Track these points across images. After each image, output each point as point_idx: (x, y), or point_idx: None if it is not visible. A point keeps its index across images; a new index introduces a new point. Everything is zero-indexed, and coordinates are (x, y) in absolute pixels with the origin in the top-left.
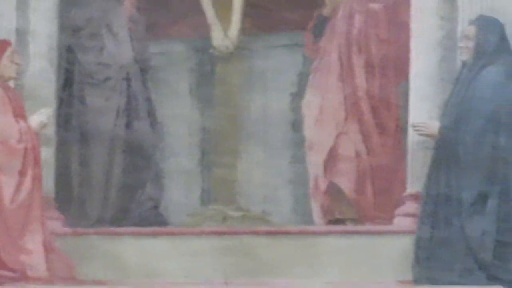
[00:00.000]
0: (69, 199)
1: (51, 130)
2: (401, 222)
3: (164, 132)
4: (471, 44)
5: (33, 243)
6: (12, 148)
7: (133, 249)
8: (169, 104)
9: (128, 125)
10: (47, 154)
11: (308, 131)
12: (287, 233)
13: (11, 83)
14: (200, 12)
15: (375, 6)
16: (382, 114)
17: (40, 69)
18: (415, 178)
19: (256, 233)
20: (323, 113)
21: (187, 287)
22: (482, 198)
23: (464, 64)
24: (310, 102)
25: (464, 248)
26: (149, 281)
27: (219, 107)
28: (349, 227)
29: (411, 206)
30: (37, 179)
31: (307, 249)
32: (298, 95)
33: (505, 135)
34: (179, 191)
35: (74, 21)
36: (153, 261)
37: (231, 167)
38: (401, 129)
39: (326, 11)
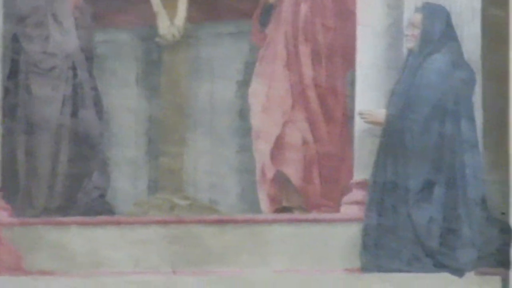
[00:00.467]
0: (15, 189)
1: None
2: (348, 210)
3: (110, 121)
4: (417, 31)
5: None
6: None
7: (80, 239)
8: (115, 93)
9: (74, 115)
10: None
11: (255, 119)
12: (234, 221)
13: None
14: (146, 0)
15: None
16: (329, 102)
17: None
18: (362, 166)
19: (203, 222)
20: (270, 101)
21: (135, 276)
22: (429, 185)
23: (410, 52)
24: (257, 91)
25: (411, 236)
26: (96, 270)
27: (166, 95)
28: (296, 215)
29: (358, 194)
30: None
31: (254, 237)
32: (244, 84)
33: (451, 123)
34: (126, 180)
35: (19, 10)
36: (100, 250)
37: (178, 155)
38: (348, 117)
39: None
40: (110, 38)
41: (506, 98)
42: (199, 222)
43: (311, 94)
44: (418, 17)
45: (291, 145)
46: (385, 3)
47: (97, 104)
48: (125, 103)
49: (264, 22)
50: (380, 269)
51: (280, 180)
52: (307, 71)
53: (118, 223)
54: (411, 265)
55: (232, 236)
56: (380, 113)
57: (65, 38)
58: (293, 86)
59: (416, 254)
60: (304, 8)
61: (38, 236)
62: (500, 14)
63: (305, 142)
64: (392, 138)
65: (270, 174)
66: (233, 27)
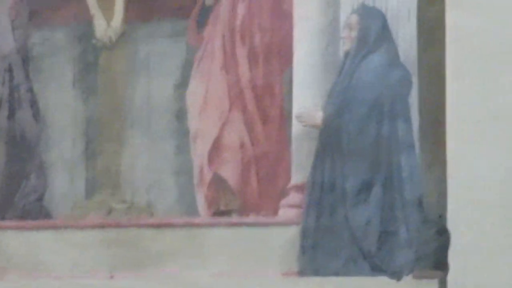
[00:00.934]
0: None
1: None
2: (286, 213)
3: (47, 122)
4: (353, 33)
5: None
6: None
7: (17, 242)
8: (52, 94)
9: (10, 116)
10: None
11: (193, 121)
12: (172, 225)
13: None
14: None
15: None
16: (266, 103)
17: None
18: (300, 168)
19: (140, 225)
20: (207, 102)
21: (72, 280)
22: (366, 187)
23: (346, 53)
24: (194, 92)
25: (348, 237)
26: (33, 274)
27: (103, 96)
28: (234, 218)
29: (296, 197)
30: None
31: (192, 240)
32: (182, 85)
33: (388, 123)
34: (64, 182)
35: None
36: (37, 254)
37: (115, 156)
38: (285, 118)
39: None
40: (46, 38)
41: (442, 98)
42: (137, 225)
43: (248, 95)
44: (354, 19)
45: (228, 147)
46: (321, 3)
47: (34, 105)
48: (62, 104)
49: (201, 23)
50: (318, 272)
51: (218, 183)
52: (244, 72)
53: (55, 226)
54: (348, 268)
55: (170, 239)
56: (317, 115)
57: (1, 39)
58: (230, 88)
59: (354, 256)
60: (240, 8)
61: None
62: (435, 14)
63: (242, 144)
64: (330, 139)
65: (207, 176)
66: (170, 28)
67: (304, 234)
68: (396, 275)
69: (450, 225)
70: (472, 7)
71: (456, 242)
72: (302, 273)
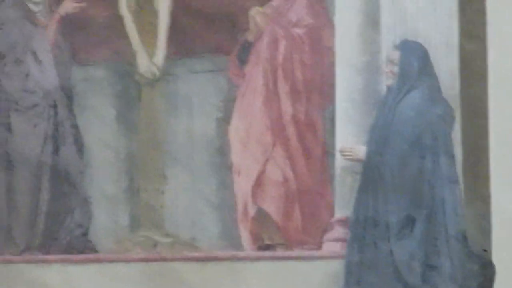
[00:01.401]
0: None
1: None
2: (330, 247)
3: (91, 158)
4: (395, 68)
5: None
6: None
7: (61, 276)
8: (95, 130)
9: (55, 152)
10: None
11: (235, 156)
12: (215, 258)
13: None
14: (124, 36)
15: (299, 31)
16: (309, 138)
17: None
18: (343, 202)
19: (184, 259)
20: (250, 138)
21: None
22: (410, 221)
23: (388, 88)
24: (237, 127)
25: (392, 272)
26: None
27: (145, 132)
28: (278, 252)
29: (339, 231)
30: None
31: (236, 274)
32: (224, 120)
33: (430, 159)
34: (108, 217)
35: None
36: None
37: (158, 192)
38: (328, 153)
39: (250, 36)
40: (89, 75)
41: (485, 133)
42: (180, 259)
43: (291, 130)
44: (396, 54)
45: (272, 182)
46: (362, 39)
47: (78, 141)
48: (105, 140)
49: (243, 59)
50: None
51: (261, 217)
52: (286, 108)
53: (99, 260)
54: None
55: (213, 273)
56: (360, 150)
57: (45, 76)
58: (273, 123)
59: None
60: (282, 45)
61: (20, 273)
62: (477, 49)
63: (285, 179)
64: (373, 174)
65: (251, 211)
66: (211, 64)
67: (348, 269)
68: None
69: (495, 259)
70: None
71: (501, 276)
72: None
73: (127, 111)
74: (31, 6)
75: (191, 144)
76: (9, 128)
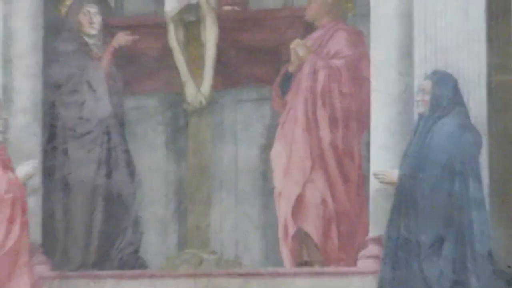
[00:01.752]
0: (54, 244)
1: (37, 181)
2: (365, 264)
3: (141, 182)
4: (427, 97)
5: (21, 286)
6: (0, 198)
7: None
8: (146, 156)
9: (108, 175)
10: (34, 202)
11: (277, 180)
12: (258, 274)
13: None
14: (173, 67)
15: (337, 62)
16: (346, 163)
17: (25, 123)
18: (377, 223)
19: (229, 275)
20: (291, 163)
21: None
22: (439, 241)
23: (420, 116)
24: (279, 153)
25: None
26: None
27: (193, 158)
28: (316, 268)
29: (373, 249)
30: (24, 226)
31: None
32: (267, 147)
33: (460, 183)
34: (157, 237)
35: (56, 78)
36: None
37: (205, 214)
38: (364, 177)
39: (292, 67)
40: (140, 104)
41: (510, 159)
42: (225, 275)
43: (329, 156)
44: (427, 84)
45: (311, 203)
46: (397, 70)
47: (129, 165)
48: (154, 165)
49: (284, 89)
50: None
51: (301, 236)
52: (325, 134)
53: (150, 276)
54: None
55: None
56: (394, 174)
57: (99, 104)
58: (312, 149)
59: None
60: (321, 75)
61: None
62: (504, 79)
63: (323, 201)
64: (405, 197)
65: (291, 231)
66: (255, 94)
67: (381, 284)
68: None
69: None
70: None
71: None
72: None
73: (176, 138)
74: (86, 39)
75: (236, 169)
76: (66, 153)
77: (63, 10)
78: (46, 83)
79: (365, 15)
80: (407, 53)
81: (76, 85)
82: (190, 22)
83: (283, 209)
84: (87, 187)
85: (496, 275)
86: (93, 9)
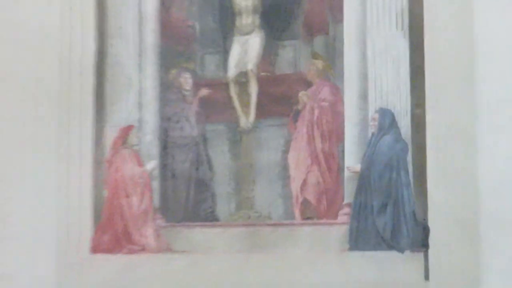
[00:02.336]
0: (167, 207)
1: (156, 172)
2: (341, 218)
3: (215, 172)
4: (376, 123)
5: (149, 231)
6: (136, 181)
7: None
8: (217, 157)
9: (196, 169)
10: (155, 185)
11: (292, 170)
12: (281, 224)
13: (135, 148)
14: (232, 108)
15: (325, 104)
16: (330, 161)
17: (150, 139)
18: (349, 195)
19: (265, 225)
20: (299, 161)
21: None
22: (384, 205)
23: (372, 134)
24: (292, 156)
25: (375, 233)
26: None
27: (244, 159)
28: (314, 221)
29: (347, 210)
30: (150, 198)
31: (291, 235)
32: (285, 152)
33: (395, 173)
34: (225, 204)
35: (168, 114)
36: None
37: (251, 191)
38: (341, 168)
39: (299, 107)
40: (215, 128)
41: (425, 158)
42: (263, 225)
43: (320, 157)
44: (376, 115)
45: (311, 184)
46: (358, 107)
47: (209, 163)
48: (222, 163)
49: (295, 119)
50: (361, 248)
51: (305, 202)
52: (318, 144)
53: (221, 225)
54: (376, 246)
55: (279, 234)
56: (357, 167)
57: (192, 129)
58: (311, 153)
59: (379, 242)
60: (316, 111)
61: (181, 233)
62: (421, 112)
63: (318, 182)
64: (364, 180)
65: (300, 199)
66: (278, 121)
67: (351, 231)
68: (402, 250)
69: (430, 224)
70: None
71: (432, 234)
72: (350, 249)
73: (234, 148)
74: (184, 92)
75: (267, 165)
76: (173, 157)
77: (171, 76)
78: (162, 117)
79: (340, 76)
80: (364, 96)
81: (179, 118)
82: (242, 82)
83: (295, 187)
84: (185, 176)
85: (417, 225)
86: (187, 75)
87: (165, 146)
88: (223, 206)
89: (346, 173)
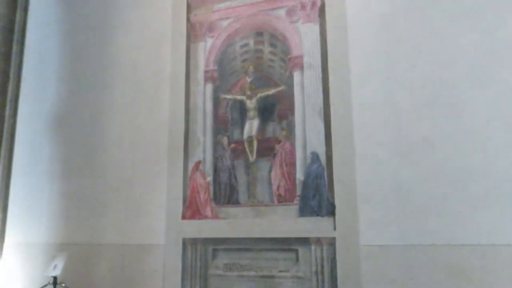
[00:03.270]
0: (218, 197)
1: (211, 176)
2: (296, 202)
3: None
4: (310, 158)
5: (207, 210)
6: (202, 186)
7: (233, 211)
8: (239, 175)
9: (230, 180)
10: (211, 188)
11: (272, 180)
12: (267, 205)
13: (202, 171)
14: (245, 152)
15: (287, 150)
16: (290, 175)
17: (208, 167)
18: (298, 191)
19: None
20: (276, 176)
21: None
22: (314, 195)
23: (309, 163)
24: (273, 173)
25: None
26: None
27: (251, 175)
28: (283, 203)
29: (297, 198)
30: (208, 193)
31: None
32: (269, 172)
33: (318, 180)
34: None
35: (216, 155)
36: None
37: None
38: (294, 178)
39: (275, 151)
40: (237, 162)
41: (331, 174)
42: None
43: (285, 174)
44: (310, 155)
45: (281, 186)
46: (301, 151)
47: (233, 174)
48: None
49: (274, 157)
50: (304, 215)
51: (279, 194)
52: (284, 168)
53: (240, 205)
54: (311, 214)
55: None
56: (302, 178)
57: (227, 163)
58: (281, 172)
59: (312, 213)
60: (283, 154)
61: (221, 211)
62: (330, 154)
63: (284, 185)
64: (305, 184)
65: (276, 193)
66: (266, 158)
67: (299, 208)
68: (323, 216)
69: (336, 203)
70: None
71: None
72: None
73: (247, 170)
74: (224, 145)
75: (262, 179)
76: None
77: (218, 138)
78: (214, 156)
79: (294, 138)
80: (304, 146)
81: (221, 157)
82: (250, 140)
83: (274, 188)
84: (224, 183)
85: (329, 204)
86: (225, 138)
87: (215, 169)
88: (242, 197)
89: (297, 181)
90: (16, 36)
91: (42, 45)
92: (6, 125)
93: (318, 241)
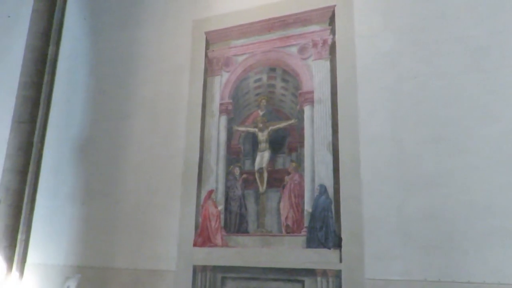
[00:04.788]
0: (228, 225)
1: (222, 205)
2: (303, 233)
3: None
4: (318, 190)
5: (217, 238)
6: (214, 214)
7: (242, 239)
8: (249, 205)
9: (240, 209)
10: (222, 216)
11: (281, 211)
12: (274, 235)
13: (214, 199)
14: (256, 182)
15: (296, 181)
16: (298, 207)
17: (220, 196)
18: (306, 222)
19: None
20: (284, 207)
21: None
22: (321, 227)
23: (317, 195)
24: (282, 204)
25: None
26: None
27: (261, 205)
28: (290, 234)
29: (305, 229)
30: (219, 222)
31: None
32: (279, 203)
33: (326, 212)
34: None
35: (228, 185)
36: None
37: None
38: (302, 210)
39: (285, 183)
40: (248, 192)
41: (339, 208)
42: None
43: (294, 205)
44: (318, 187)
45: (290, 217)
46: (310, 184)
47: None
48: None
49: (283, 188)
50: (311, 247)
51: (287, 225)
52: (292, 199)
53: (249, 234)
54: (318, 246)
55: None
56: (310, 209)
57: (239, 192)
58: (290, 203)
59: (319, 244)
60: (292, 185)
61: (231, 240)
62: (337, 187)
63: (292, 216)
64: (313, 216)
65: (285, 224)
66: (276, 189)
67: (306, 239)
68: (329, 247)
69: (343, 236)
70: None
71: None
72: None
73: (257, 200)
74: (236, 176)
75: (271, 209)
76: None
77: (230, 168)
78: (226, 186)
79: (303, 170)
80: (313, 179)
81: (233, 187)
82: (260, 172)
83: (283, 218)
84: (235, 212)
85: (336, 236)
86: (237, 168)
87: (227, 198)
88: (251, 226)
89: (305, 212)
90: (47, 68)
91: (71, 76)
92: (34, 150)
93: (324, 272)
